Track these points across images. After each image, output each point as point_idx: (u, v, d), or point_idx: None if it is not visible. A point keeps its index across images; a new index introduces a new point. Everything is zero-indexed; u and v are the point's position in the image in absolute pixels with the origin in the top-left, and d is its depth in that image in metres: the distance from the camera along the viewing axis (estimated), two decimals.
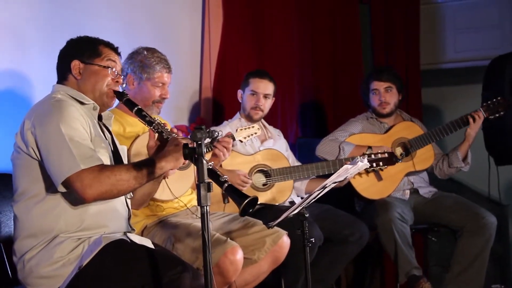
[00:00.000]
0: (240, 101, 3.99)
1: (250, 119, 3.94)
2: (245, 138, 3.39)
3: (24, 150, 2.41)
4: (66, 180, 2.30)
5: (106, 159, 2.47)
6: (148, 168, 2.37)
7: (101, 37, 2.64)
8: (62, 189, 2.32)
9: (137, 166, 2.38)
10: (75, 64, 2.54)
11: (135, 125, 3.12)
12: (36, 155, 2.38)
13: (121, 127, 3.15)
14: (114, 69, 2.58)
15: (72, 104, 2.44)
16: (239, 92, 3.99)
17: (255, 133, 3.45)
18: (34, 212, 2.40)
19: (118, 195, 2.41)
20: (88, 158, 2.32)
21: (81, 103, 2.51)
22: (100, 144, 2.48)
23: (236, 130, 3.38)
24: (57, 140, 2.32)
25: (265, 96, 3.91)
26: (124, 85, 2.67)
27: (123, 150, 2.70)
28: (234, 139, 3.30)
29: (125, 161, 2.67)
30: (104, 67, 2.56)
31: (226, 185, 2.32)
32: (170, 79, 3.27)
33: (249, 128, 3.44)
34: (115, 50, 2.63)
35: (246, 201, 2.27)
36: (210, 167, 2.33)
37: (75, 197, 2.36)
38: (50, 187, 2.39)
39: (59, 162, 2.31)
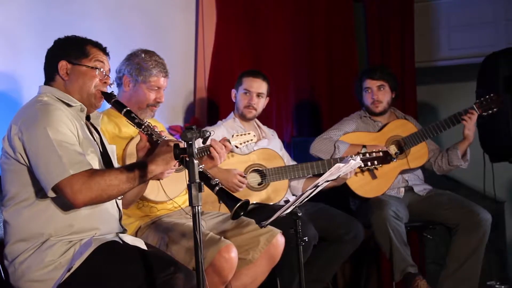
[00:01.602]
0: (234, 100, 3.99)
1: (243, 118, 3.94)
2: (240, 144, 3.40)
3: (12, 156, 2.39)
4: (55, 186, 2.28)
5: (95, 161, 2.46)
6: (138, 171, 2.36)
7: (95, 38, 2.61)
8: (52, 194, 2.31)
9: (128, 170, 2.36)
10: (62, 65, 2.51)
11: (130, 125, 3.11)
12: (24, 160, 2.36)
13: (116, 128, 3.15)
14: (102, 70, 2.55)
15: (59, 108, 2.41)
16: (233, 91, 4.00)
17: (251, 139, 3.45)
18: (24, 217, 2.39)
19: (108, 200, 2.40)
20: (77, 163, 2.30)
21: (68, 105, 2.49)
22: (89, 146, 2.46)
23: (232, 135, 3.37)
24: (45, 145, 2.30)
25: (258, 95, 3.91)
26: (112, 85, 2.65)
27: (112, 150, 2.68)
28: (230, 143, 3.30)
29: (114, 161, 2.66)
30: (92, 67, 2.53)
31: (217, 188, 2.31)
32: (167, 83, 3.25)
33: (245, 134, 3.43)
34: (103, 50, 2.60)
35: (237, 205, 2.27)
36: (201, 170, 2.32)
37: (65, 201, 2.35)
38: (40, 192, 2.37)
39: (47, 167, 2.29)
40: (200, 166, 2.33)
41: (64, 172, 2.27)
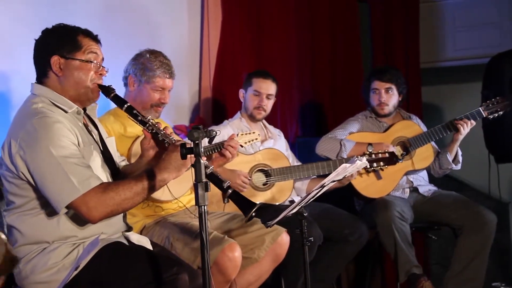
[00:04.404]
0: (242, 100, 3.99)
1: (252, 119, 3.94)
2: (245, 143, 3.40)
3: (14, 172, 2.32)
4: (68, 206, 2.25)
5: (98, 163, 2.42)
6: (152, 181, 2.31)
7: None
8: (64, 212, 2.29)
9: (141, 181, 2.31)
10: (55, 60, 2.39)
11: (136, 125, 3.11)
12: (26, 178, 2.30)
13: (122, 127, 3.15)
14: (96, 62, 2.43)
15: (57, 120, 2.31)
16: (241, 91, 3.99)
17: (256, 139, 3.45)
18: (29, 224, 2.36)
19: (123, 212, 2.39)
20: (86, 179, 2.25)
21: (64, 111, 2.40)
22: (90, 150, 2.41)
23: (237, 134, 3.38)
24: (51, 165, 2.24)
25: (268, 97, 3.92)
26: (105, 75, 2.55)
27: (111, 142, 2.63)
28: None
29: (115, 154, 2.62)
30: (86, 61, 2.42)
31: (230, 191, 2.30)
32: (172, 84, 3.23)
33: (250, 133, 3.44)
34: (95, 38, 2.46)
35: (254, 209, 2.28)
36: (211, 171, 2.31)
37: (68, 213, 2.33)
38: (45, 204, 2.33)
39: (57, 188, 2.24)
40: (210, 168, 2.31)
41: (74, 191, 2.23)
